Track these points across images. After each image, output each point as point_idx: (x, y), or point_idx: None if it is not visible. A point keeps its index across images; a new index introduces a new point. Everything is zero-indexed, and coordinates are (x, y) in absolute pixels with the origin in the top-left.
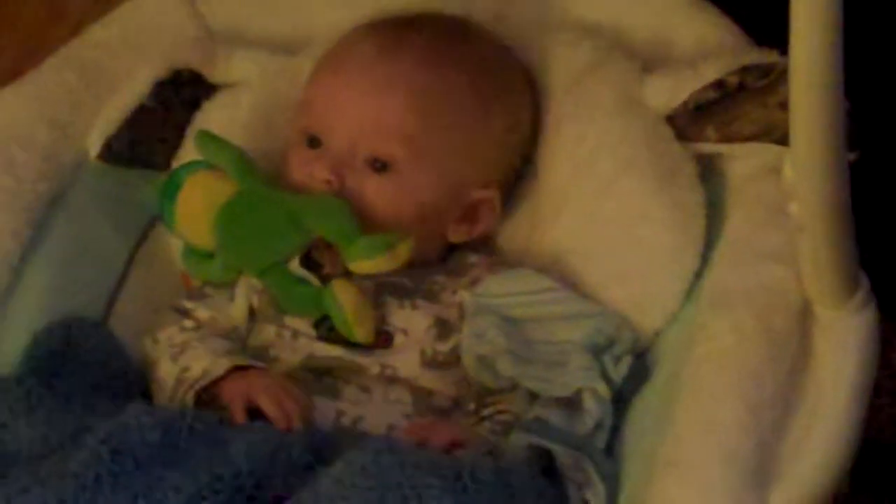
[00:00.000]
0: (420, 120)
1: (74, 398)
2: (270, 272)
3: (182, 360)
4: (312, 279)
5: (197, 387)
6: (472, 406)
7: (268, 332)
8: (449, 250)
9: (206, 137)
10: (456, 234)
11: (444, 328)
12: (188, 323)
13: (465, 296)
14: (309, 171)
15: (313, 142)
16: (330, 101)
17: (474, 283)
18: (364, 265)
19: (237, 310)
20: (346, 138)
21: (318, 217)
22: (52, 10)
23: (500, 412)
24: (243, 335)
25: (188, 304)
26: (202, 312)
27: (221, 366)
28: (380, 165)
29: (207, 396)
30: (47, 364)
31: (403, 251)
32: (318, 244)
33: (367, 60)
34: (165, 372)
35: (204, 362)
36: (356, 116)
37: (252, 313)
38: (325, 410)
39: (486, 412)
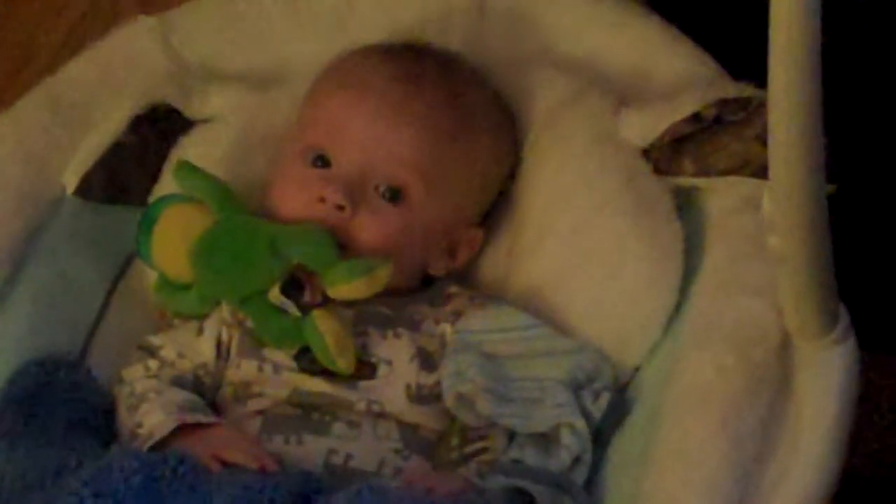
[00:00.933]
0: (435, 155)
1: (53, 436)
2: (250, 302)
3: (137, 414)
4: (292, 308)
5: (146, 447)
6: (454, 441)
7: (249, 367)
8: (427, 280)
9: (185, 168)
10: (436, 268)
11: (427, 359)
12: (152, 364)
13: (447, 329)
14: (317, 192)
15: (319, 161)
16: (344, 120)
17: (455, 314)
18: (343, 289)
19: (205, 344)
20: (359, 162)
21: (296, 243)
22: (24, 49)
23: (482, 450)
24: (212, 370)
25: (155, 342)
26: (168, 351)
27: (166, 427)
28: (391, 195)
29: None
30: (25, 402)
31: (382, 275)
32: (297, 271)
33: (386, 86)
34: (125, 420)
35: (154, 420)
36: (373, 141)
37: (219, 348)
38: (316, 448)
39: (468, 450)
